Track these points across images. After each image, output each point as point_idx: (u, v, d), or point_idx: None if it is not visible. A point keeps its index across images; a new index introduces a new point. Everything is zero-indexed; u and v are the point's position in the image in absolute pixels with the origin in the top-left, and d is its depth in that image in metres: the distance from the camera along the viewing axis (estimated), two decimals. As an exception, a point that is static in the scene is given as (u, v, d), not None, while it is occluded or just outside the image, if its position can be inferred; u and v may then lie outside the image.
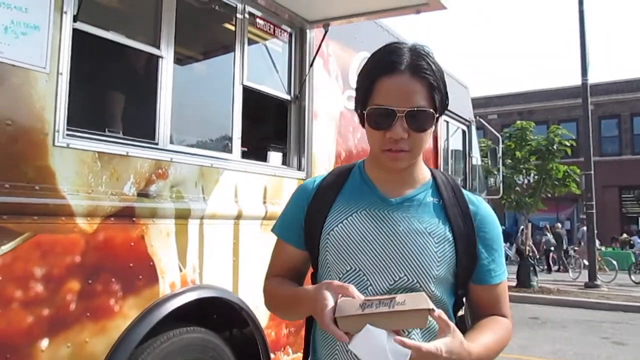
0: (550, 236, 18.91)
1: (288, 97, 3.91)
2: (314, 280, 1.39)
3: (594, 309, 10.39)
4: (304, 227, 1.35)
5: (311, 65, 3.91)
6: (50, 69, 2.27)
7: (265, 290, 1.43)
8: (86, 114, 2.83)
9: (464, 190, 1.37)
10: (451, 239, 1.27)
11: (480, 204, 1.36)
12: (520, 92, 28.94)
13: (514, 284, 12.59)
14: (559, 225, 20.31)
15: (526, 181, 14.79)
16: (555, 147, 13.34)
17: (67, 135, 2.35)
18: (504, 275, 1.36)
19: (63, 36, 2.34)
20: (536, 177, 14.02)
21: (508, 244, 22.06)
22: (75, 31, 2.44)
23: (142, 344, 2.60)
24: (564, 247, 19.25)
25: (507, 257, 20.63)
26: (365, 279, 1.25)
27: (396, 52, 1.23)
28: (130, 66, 3.30)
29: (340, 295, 1.12)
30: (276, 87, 3.85)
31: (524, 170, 14.11)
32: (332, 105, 4.14)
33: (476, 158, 7.81)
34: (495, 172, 9.19)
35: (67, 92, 2.35)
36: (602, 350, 6.75)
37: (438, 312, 1.07)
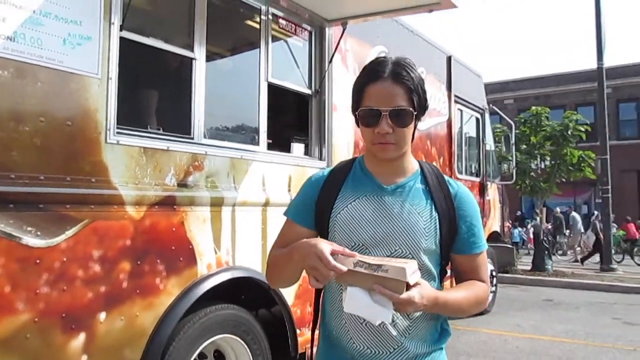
0: (538, 220, 19.04)
1: (309, 92, 4.17)
2: None
3: (608, 291, 10.54)
4: (315, 211, 1.63)
5: (330, 61, 4.16)
6: (102, 75, 2.56)
7: (269, 257, 1.66)
8: (131, 114, 3.12)
9: (445, 176, 1.65)
10: (436, 216, 1.55)
11: (458, 187, 1.64)
12: (536, 77, 28.70)
13: (528, 267, 12.77)
14: (558, 209, 20.37)
15: (542, 166, 14.90)
16: (569, 132, 13.45)
17: (117, 133, 2.64)
18: (483, 247, 1.62)
19: (112, 45, 2.62)
20: (551, 162, 14.15)
21: (524, 229, 22.12)
22: (121, 39, 2.72)
23: (184, 318, 2.90)
24: (563, 230, 19.34)
25: (523, 241, 20.74)
26: (368, 251, 1.52)
27: (381, 64, 1.52)
28: (168, 68, 3.59)
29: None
30: (298, 82, 4.12)
31: (538, 156, 14.23)
32: (350, 98, 4.38)
33: (490, 145, 8.00)
34: (510, 158, 9.37)
35: (116, 94, 2.64)
36: (612, 330, 6.95)
37: (414, 283, 1.33)
